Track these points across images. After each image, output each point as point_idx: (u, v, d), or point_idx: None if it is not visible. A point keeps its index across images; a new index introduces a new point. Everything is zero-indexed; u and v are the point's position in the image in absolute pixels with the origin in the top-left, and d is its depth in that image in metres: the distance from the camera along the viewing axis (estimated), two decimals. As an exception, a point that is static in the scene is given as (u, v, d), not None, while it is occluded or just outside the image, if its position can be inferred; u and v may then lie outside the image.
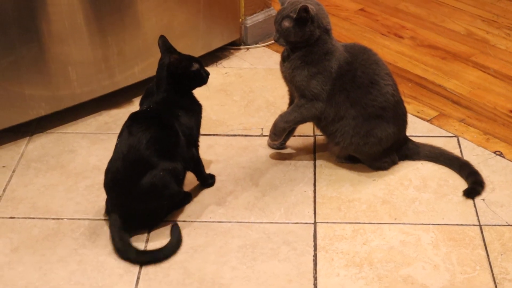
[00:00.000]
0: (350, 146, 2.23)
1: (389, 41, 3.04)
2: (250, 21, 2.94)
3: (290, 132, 2.35)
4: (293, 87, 2.23)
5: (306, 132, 2.45)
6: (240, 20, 2.92)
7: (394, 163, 2.31)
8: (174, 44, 2.62)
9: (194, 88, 2.13)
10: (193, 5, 2.68)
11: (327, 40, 2.16)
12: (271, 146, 2.40)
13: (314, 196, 2.20)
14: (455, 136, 2.45)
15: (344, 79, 2.17)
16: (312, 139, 2.44)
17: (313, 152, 2.39)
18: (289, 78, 2.21)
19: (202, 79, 2.11)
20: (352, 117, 2.19)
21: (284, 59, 2.22)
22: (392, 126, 2.22)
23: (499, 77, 2.78)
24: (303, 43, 2.14)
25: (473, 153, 2.37)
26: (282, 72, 2.24)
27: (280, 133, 2.27)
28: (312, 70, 2.16)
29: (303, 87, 2.18)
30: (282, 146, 2.39)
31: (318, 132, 2.37)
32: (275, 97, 2.65)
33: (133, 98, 2.63)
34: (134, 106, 2.60)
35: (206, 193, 2.21)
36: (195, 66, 2.08)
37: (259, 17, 2.97)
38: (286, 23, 2.11)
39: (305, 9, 2.08)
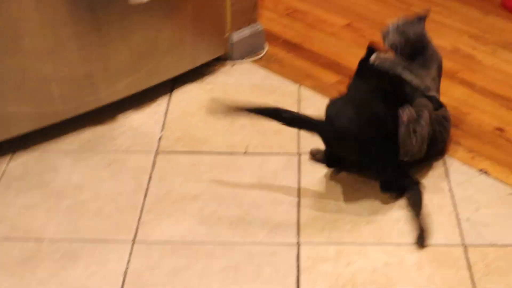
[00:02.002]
0: None
1: (375, 56, 3.03)
2: (236, 36, 2.93)
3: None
4: None
5: (291, 151, 2.44)
6: (226, 35, 2.90)
7: None
8: (159, 59, 2.62)
9: None
10: (179, 21, 2.66)
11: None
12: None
13: (298, 216, 2.18)
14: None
15: None
16: (296, 158, 2.42)
17: (297, 171, 2.37)
18: None
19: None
20: None
21: None
22: None
23: (485, 94, 2.77)
24: None
25: (458, 172, 2.35)
26: None
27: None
28: None
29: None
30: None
31: (302, 150, 2.35)
32: (260, 114, 2.63)
33: (117, 114, 2.62)
34: (118, 123, 2.58)
35: (187, 212, 2.19)
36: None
37: (245, 32, 2.96)
38: None
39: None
